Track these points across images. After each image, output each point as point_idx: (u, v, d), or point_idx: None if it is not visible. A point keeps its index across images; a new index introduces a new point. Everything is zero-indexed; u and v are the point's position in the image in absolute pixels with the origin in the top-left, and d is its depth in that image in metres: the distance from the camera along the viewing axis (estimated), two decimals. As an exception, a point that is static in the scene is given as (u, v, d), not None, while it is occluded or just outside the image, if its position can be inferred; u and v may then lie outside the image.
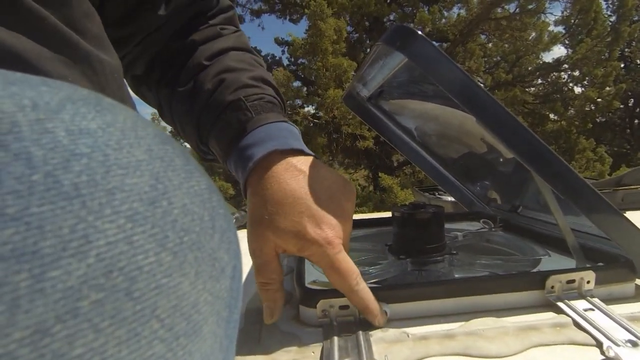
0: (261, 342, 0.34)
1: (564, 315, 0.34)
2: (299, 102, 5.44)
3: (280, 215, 0.32)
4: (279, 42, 6.59)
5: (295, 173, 0.34)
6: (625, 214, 0.38)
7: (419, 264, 0.48)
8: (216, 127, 0.38)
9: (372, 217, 0.75)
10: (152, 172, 0.11)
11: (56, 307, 0.09)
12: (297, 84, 5.60)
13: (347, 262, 0.32)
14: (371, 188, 5.63)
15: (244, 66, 0.40)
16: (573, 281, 0.37)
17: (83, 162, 0.10)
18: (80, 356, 0.09)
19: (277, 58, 6.81)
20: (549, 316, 0.35)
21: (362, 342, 0.31)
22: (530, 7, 5.65)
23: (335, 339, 0.32)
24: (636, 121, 8.12)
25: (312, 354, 0.31)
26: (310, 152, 0.36)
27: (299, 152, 0.35)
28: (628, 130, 8.16)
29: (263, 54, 6.45)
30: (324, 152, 5.23)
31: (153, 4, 0.38)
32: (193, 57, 0.41)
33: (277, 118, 0.37)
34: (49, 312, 0.09)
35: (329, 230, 0.32)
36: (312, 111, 5.62)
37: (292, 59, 6.27)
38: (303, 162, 0.35)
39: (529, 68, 6.21)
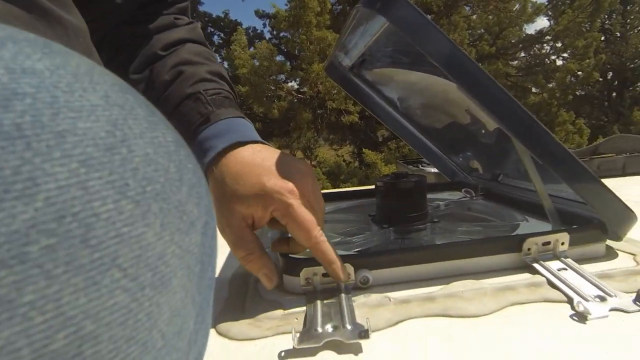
0: (245, 310, 0.34)
1: (539, 276, 0.36)
2: (282, 77, 5.33)
3: (240, 184, 0.33)
4: (260, 14, 6.36)
5: (252, 152, 0.35)
6: (599, 180, 0.39)
7: (401, 232, 0.49)
8: (172, 118, 0.38)
9: (356, 189, 0.76)
10: (110, 118, 0.11)
11: (0, 251, 0.08)
12: (280, 58, 5.46)
13: (309, 214, 0.33)
14: (356, 164, 5.65)
15: (201, 60, 0.41)
16: (548, 243, 0.38)
17: (26, 102, 0.09)
18: (31, 303, 0.08)
19: (259, 31, 6.61)
20: (525, 277, 0.36)
21: (345, 307, 0.32)
22: (514, -23, 5.58)
23: (319, 304, 0.33)
24: (614, 94, 8.29)
25: (296, 320, 0.32)
26: (268, 144, 0.38)
27: (259, 142, 0.37)
28: (606, 103, 8.34)
29: (244, 27, 6.23)
30: (309, 127, 5.18)
31: None
32: (148, 46, 0.40)
33: (235, 114, 0.38)
34: None
35: (288, 181, 0.33)
36: (296, 86, 5.53)
37: (275, 32, 6.09)
38: (262, 147, 0.36)
39: (512, 40, 6.20)
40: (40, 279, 0.09)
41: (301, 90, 5.33)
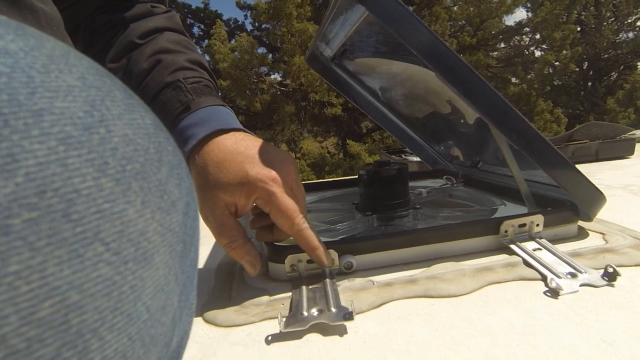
0: (232, 298, 0.34)
1: (515, 256, 0.37)
2: (264, 69, 5.27)
3: (222, 172, 0.33)
4: (242, 5, 6.26)
5: (235, 140, 0.35)
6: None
7: (384, 219, 0.50)
8: (151, 107, 0.38)
9: (341, 179, 0.76)
10: (87, 99, 0.11)
11: None
12: (261, 50, 5.40)
13: (291, 202, 0.33)
14: (340, 155, 5.67)
15: (179, 48, 0.40)
16: (524, 225, 0.40)
17: (2, 80, 0.09)
18: (16, 273, 0.09)
19: (240, 23, 6.51)
20: (502, 257, 0.38)
21: (330, 291, 0.32)
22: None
23: (304, 290, 0.33)
24: (589, 84, 8.54)
25: (282, 305, 0.32)
26: (251, 133, 0.38)
27: (240, 130, 0.36)
28: (582, 93, 8.59)
29: (224, 18, 6.13)
30: (292, 120, 5.16)
31: None
32: (124, 34, 0.40)
33: (215, 102, 0.38)
34: None
35: (271, 169, 0.33)
36: (279, 79, 5.48)
37: (256, 24, 6.01)
38: (244, 136, 0.36)
39: (493, 32, 6.29)
40: (24, 250, 0.09)
41: (284, 82, 5.29)
